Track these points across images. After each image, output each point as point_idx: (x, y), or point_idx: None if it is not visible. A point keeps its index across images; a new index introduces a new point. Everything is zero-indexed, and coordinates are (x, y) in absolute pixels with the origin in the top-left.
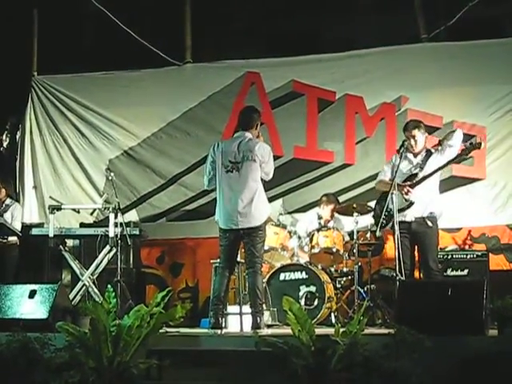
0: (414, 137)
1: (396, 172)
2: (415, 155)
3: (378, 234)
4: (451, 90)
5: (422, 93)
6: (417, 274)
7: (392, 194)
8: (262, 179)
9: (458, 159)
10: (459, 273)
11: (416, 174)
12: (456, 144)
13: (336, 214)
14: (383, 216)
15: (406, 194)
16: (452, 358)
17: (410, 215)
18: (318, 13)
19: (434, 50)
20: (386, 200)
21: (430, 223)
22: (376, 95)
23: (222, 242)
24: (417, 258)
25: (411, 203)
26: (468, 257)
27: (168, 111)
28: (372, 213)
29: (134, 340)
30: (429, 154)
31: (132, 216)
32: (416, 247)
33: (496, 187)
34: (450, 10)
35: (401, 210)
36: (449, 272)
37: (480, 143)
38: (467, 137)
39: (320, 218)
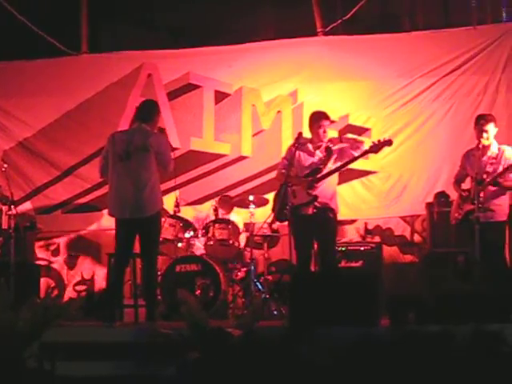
0: (324, 127)
1: (293, 165)
2: (316, 148)
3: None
4: (347, 83)
5: (319, 86)
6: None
7: (289, 187)
8: (161, 171)
9: (366, 155)
10: (354, 264)
11: (320, 169)
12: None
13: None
14: (284, 210)
15: (310, 188)
16: (345, 349)
17: (310, 208)
18: (216, 6)
19: (331, 43)
20: (285, 193)
21: (330, 215)
22: (272, 88)
23: (116, 233)
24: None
25: (315, 197)
26: (362, 248)
27: (64, 102)
28: (271, 205)
29: (28, 333)
30: (329, 149)
31: (27, 208)
32: (315, 239)
33: (390, 180)
34: (346, 4)
35: (304, 204)
36: (343, 263)
37: (390, 140)
38: (362, 130)
39: (216, 209)
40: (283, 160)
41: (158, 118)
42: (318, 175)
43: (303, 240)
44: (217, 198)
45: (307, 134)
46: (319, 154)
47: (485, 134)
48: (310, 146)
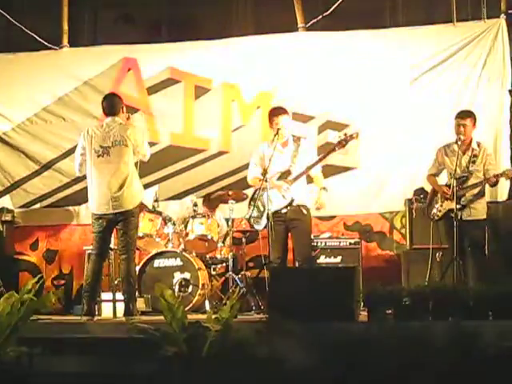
0: (278, 123)
1: (268, 166)
2: (283, 145)
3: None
4: (328, 78)
5: (299, 81)
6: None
7: (264, 190)
8: (138, 162)
9: (335, 151)
10: (332, 260)
11: (289, 171)
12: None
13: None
14: (265, 217)
15: (285, 191)
16: (323, 344)
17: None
18: (196, 0)
19: (311, 39)
20: (260, 199)
21: (304, 211)
22: (253, 83)
23: (94, 228)
24: (290, 246)
25: (291, 201)
26: (341, 244)
27: (43, 96)
28: (248, 209)
29: (5, 327)
30: (297, 145)
31: (5, 202)
32: (290, 235)
33: (369, 176)
34: (328, 0)
35: (282, 209)
36: (322, 259)
37: (356, 133)
38: (341, 126)
39: (195, 205)
40: (252, 165)
41: (123, 107)
42: (290, 177)
43: (277, 238)
44: (196, 193)
45: None
46: (286, 152)
47: (461, 129)
48: (278, 144)
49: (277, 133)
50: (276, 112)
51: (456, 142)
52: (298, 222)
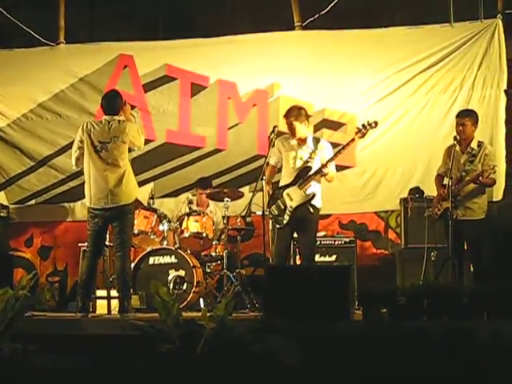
0: (291, 125)
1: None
2: (299, 143)
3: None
4: (324, 77)
5: (295, 80)
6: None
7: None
8: (130, 160)
9: (354, 141)
10: (327, 259)
11: (310, 167)
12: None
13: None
14: (287, 214)
15: (305, 187)
16: (317, 343)
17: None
18: None
19: (307, 37)
20: (279, 199)
21: (311, 209)
22: (249, 81)
23: (90, 224)
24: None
25: (313, 195)
26: (336, 243)
27: (39, 92)
28: (245, 199)
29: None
30: (316, 142)
31: (0, 198)
32: (295, 233)
33: (365, 175)
34: None
35: (302, 204)
36: (317, 258)
37: (375, 122)
38: (337, 124)
39: (191, 202)
40: (269, 152)
41: (124, 104)
42: (310, 172)
43: (282, 235)
44: (192, 191)
45: (282, 127)
46: (302, 149)
47: (460, 128)
48: (291, 140)
49: (273, 130)
50: (304, 112)
51: (456, 142)
52: (304, 222)
